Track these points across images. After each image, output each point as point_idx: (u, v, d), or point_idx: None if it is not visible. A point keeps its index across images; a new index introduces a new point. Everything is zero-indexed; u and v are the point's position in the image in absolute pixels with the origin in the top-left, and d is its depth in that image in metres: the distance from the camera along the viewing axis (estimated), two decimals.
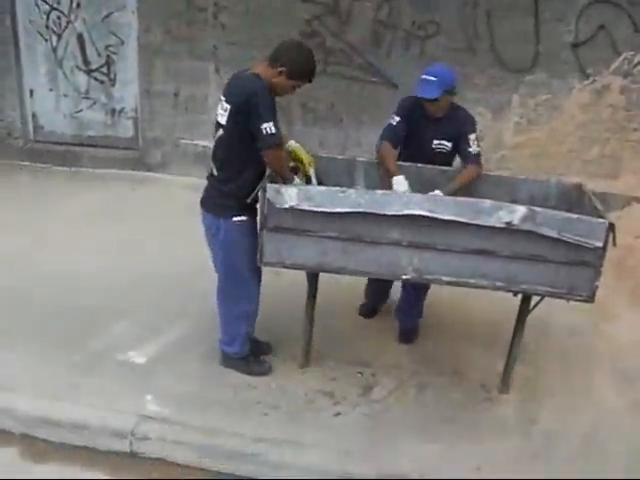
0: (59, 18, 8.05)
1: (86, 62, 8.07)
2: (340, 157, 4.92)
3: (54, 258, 5.90)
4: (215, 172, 4.20)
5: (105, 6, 7.86)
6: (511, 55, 6.99)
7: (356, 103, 7.39)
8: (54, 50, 8.13)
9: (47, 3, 8.01)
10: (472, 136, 4.62)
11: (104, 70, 8.02)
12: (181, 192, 7.27)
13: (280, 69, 3.97)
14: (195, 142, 7.80)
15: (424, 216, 3.84)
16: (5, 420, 4.26)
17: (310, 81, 4.10)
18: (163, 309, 5.23)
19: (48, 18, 8.07)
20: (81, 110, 8.27)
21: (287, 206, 3.83)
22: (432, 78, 4.44)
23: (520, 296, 4.25)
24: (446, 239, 3.90)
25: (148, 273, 5.67)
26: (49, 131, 8.45)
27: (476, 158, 4.60)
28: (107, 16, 7.88)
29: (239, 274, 4.31)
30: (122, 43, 7.89)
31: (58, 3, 7.97)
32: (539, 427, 4.31)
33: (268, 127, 3.83)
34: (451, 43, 7.02)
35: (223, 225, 4.17)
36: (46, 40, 8.12)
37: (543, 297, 4.13)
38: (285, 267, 4.11)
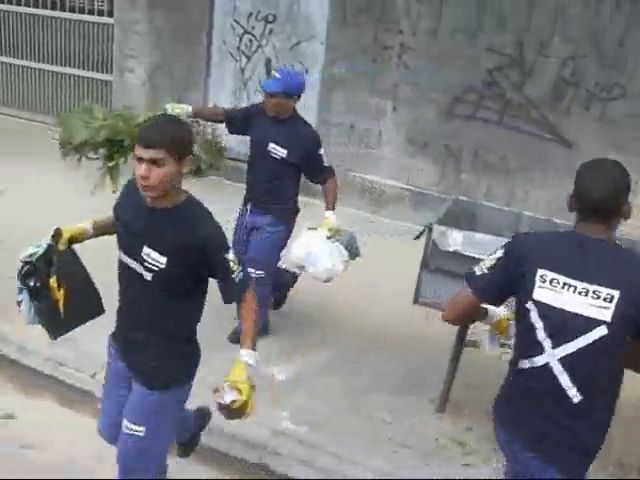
0: (251, 41, 8.44)
1: None
2: (506, 209, 4.90)
3: None
4: None
5: (295, 35, 8.18)
6: None
7: (527, 158, 7.30)
8: (242, 71, 8.53)
9: (242, 27, 8.43)
10: None
11: None
12: (342, 223, 7.38)
13: None
14: (363, 175, 7.93)
15: None
16: None
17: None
18: (310, 329, 5.35)
19: (241, 41, 8.48)
20: None
21: (451, 249, 3.86)
22: None
23: None
24: None
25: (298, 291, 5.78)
26: (229, 148, 8.78)
27: None
28: (296, 44, 8.20)
29: None
30: (307, 71, 8.17)
31: (252, 28, 8.37)
32: None
33: None
34: (636, 109, 6.82)
35: None
36: (236, 61, 8.54)
37: None
38: (440, 309, 4.11)
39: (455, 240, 3.86)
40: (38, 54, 9.98)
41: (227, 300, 3.12)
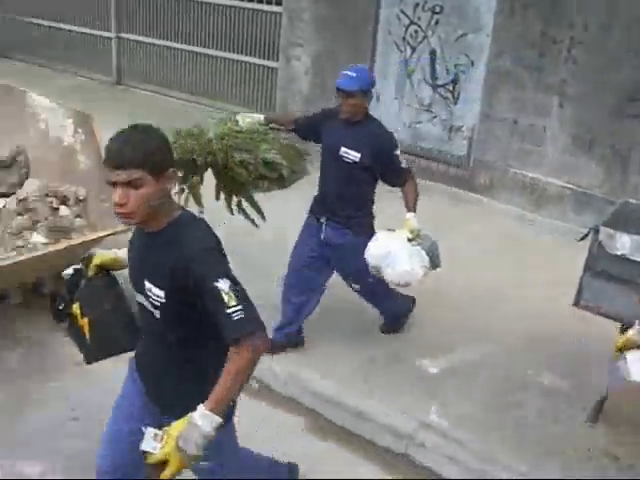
0: (416, 32, 8.40)
1: (434, 77, 8.35)
2: None
3: None
4: None
5: (462, 26, 8.07)
6: None
7: None
8: (406, 61, 8.52)
9: (408, 17, 8.40)
10: None
11: (449, 87, 8.23)
12: (501, 219, 7.33)
13: None
14: (525, 172, 7.72)
15: None
16: (297, 391, 4.64)
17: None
18: (464, 324, 5.32)
19: (406, 31, 8.46)
20: (420, 122, 8.58)
21: (618, 253, 3.73)
22: None
23: None
24: None
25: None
26: None
27: None
28: (462, 36, 8.09)
29: None
30: (472, 64, 8.05)
31: (418, 19, 8.33)
32: None
33: None
34: None
35: None
36: (401, 51, 8.52)
37: None
38: (599, 314, 4.00)
39: (623, 244, 3.72)
40: (212, 41, 10.39)
41: (226, 337, 2.47)
